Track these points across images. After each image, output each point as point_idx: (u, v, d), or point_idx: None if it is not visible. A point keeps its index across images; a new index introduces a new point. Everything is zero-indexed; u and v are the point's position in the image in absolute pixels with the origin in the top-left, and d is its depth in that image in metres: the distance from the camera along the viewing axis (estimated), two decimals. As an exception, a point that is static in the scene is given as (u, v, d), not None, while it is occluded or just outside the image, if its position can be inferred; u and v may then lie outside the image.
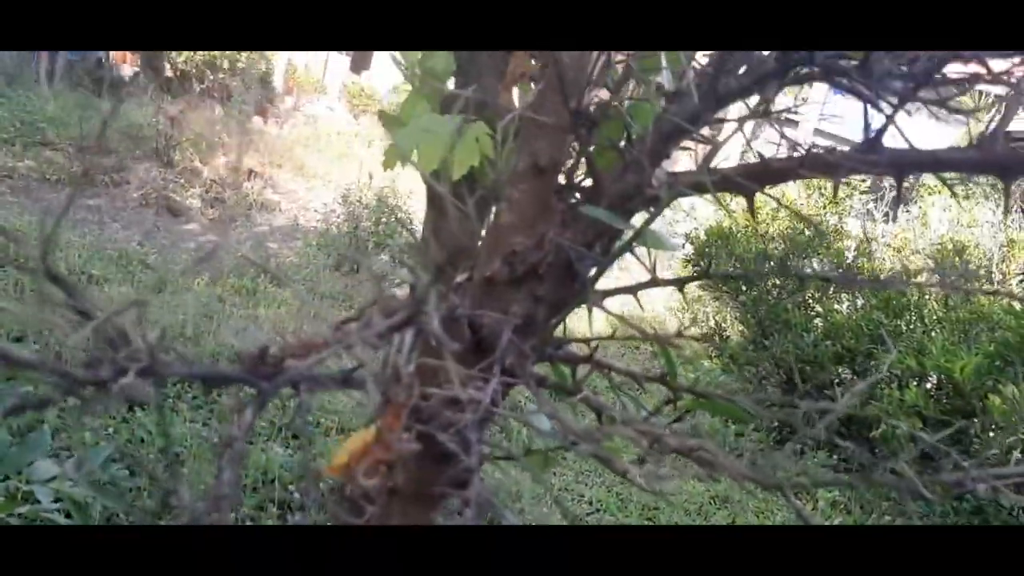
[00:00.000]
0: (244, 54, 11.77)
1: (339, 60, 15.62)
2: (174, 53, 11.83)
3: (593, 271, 0.89)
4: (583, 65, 0.90)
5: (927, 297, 4.02)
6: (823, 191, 4.95)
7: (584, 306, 0.92)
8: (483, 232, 0.99)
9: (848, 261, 4.13)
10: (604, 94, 1.02)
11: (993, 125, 0.76)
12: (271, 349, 0.61)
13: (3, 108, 8.11)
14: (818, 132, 11.99)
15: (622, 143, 0.93)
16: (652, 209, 0.86)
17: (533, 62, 1.01)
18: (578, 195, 0.93)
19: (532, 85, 1.01)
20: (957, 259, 3.74)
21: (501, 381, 0.79)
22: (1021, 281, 4.43)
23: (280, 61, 13.48)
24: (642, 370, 0.97)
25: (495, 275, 0.89)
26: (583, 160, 0.92)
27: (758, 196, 0.88)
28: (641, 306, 1.04)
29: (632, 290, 0.92)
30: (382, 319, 0.61)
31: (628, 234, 0.87)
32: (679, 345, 0.87)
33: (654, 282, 0.90)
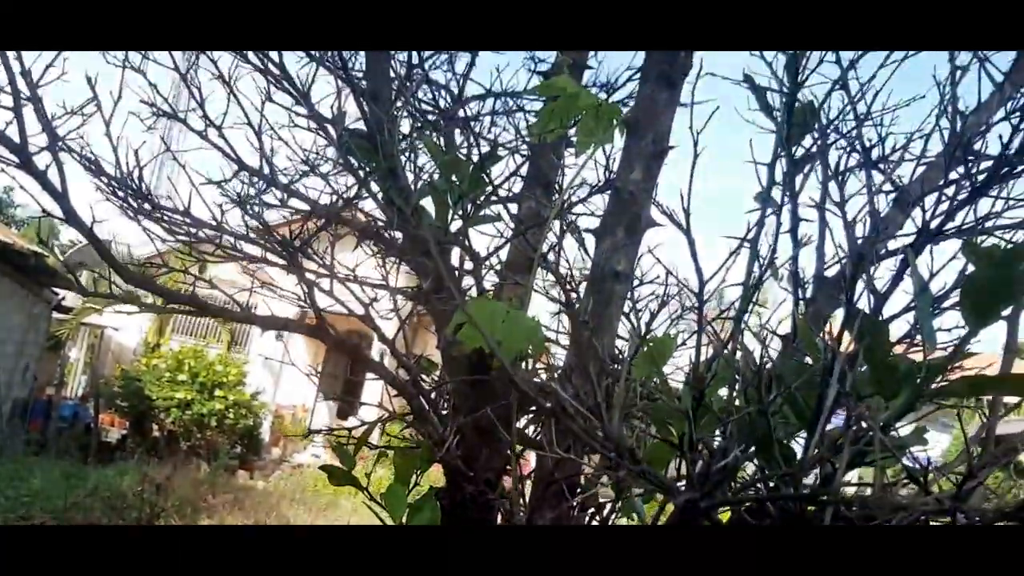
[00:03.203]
0: (232, 412, 12.00)
1: (326, 407, 16.03)
2: (162, 415, 12.00)
3: None
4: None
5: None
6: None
7: None
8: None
9: None
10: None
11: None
12: None
13: (-11, 484, 8.06)
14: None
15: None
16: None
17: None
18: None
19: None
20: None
21: None
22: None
23: (267, 413, 13.79)
24: None
25: None
26: None
27: None
28: None
29: None
30: None
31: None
32: None
33: None
